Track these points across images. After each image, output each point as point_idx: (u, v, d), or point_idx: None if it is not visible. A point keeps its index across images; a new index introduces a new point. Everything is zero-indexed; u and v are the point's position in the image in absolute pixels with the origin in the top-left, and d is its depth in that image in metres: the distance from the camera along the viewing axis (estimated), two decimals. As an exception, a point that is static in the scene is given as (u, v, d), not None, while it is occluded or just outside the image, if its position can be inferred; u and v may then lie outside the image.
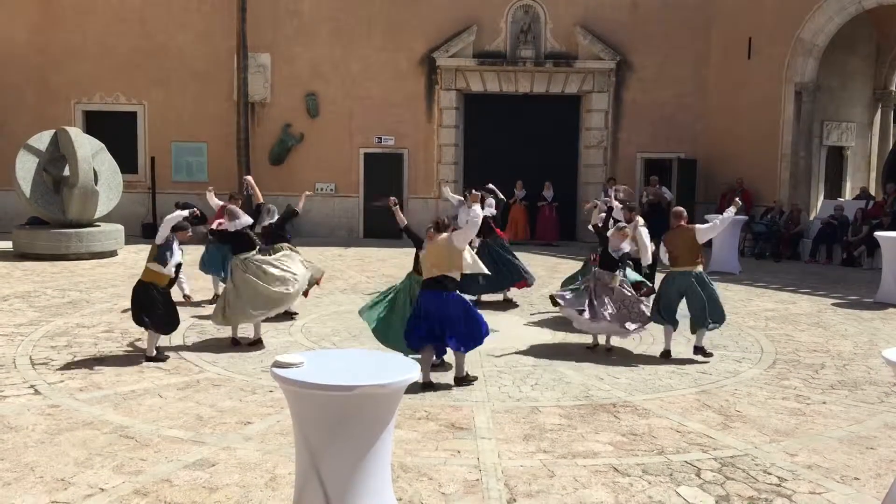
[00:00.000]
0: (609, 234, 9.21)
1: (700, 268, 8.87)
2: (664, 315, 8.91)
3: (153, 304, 8.28)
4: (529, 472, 5.73)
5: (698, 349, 8.92)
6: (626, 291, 8.99)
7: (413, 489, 5.39)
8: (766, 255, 17.49)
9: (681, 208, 9.49)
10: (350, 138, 20.09)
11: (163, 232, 8.31)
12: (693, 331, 8.93)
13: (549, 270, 15.40)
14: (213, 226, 10.05)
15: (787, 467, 5.88)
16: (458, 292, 7.61)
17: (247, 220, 9.27)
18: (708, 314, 8.71)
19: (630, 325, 8.87)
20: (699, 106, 20.02)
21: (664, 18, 19.84)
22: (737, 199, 9.77)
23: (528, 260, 16.72)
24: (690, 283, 8.74)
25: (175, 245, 8.44)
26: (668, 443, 6.33)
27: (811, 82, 17.55)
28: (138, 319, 8.36)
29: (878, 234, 13.75)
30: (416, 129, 20.10)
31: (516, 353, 9.07)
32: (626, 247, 9.15)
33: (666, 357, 8.85)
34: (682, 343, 9.42)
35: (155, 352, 8.43)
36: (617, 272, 9.06)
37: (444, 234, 7.56)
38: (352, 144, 20.11)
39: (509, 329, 10.32)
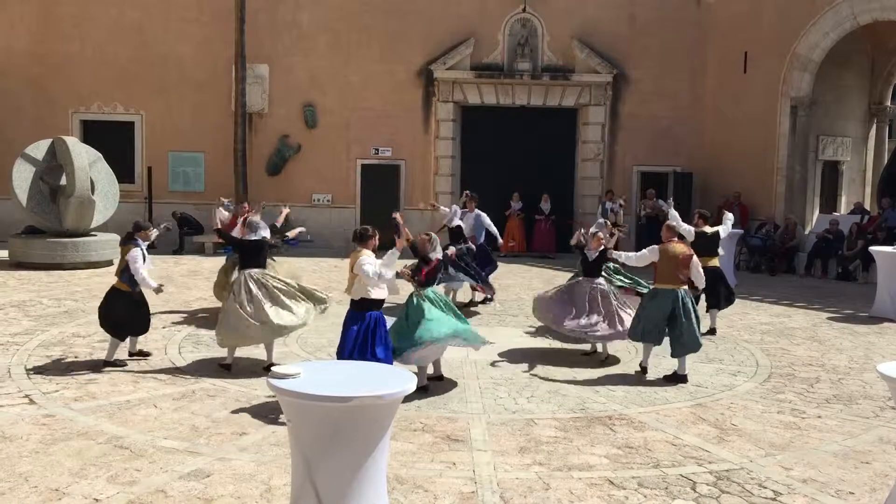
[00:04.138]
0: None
1: (685, 287, 8.61)
2: (648, 333, 8.63)
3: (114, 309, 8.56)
4: (525, 484, 5.72)
5: (680, 376, 8.50)
6: (612, 300, 9.15)
7: (408, 501, 5.38)
8: (761, 269, 17.51)
9: (673, 223, 9.27)
10: (347, 149, 20.10)
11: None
12: (674, 355, 8.63)
13: (545, 283, 15.38)
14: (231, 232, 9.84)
15: (782, 481, 5.89)
16: (363, 313, 7.14)
17: (266, 233, 8.92)
18: (683, 342, 8.45)
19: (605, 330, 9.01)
20: (695, 119, 20.08)
21: (661, 32, 19.92)
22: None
23: (525, 272, 16.80)
24: (676, 304, 8.48)
25: (143, 247, 8.60)
26: (663, 456, 6.33)
27: (807, 97, 17.64)
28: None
29: (873, 248, 13.79)
30: (414, 140, 20.13)
31: (513, 364, 9.07)
32: (594, 253, 9.33)
33: (643, 372, 8.71)
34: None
35: (114, 357, 8.58)
36: (599, 279, 9.31)
37: (361, 252, 7.11)
38: (349, 155, 20.13)
39: (505, 340, 10.32)
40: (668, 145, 20.05)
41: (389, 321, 7.65)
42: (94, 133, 19.46)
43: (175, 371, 8.47)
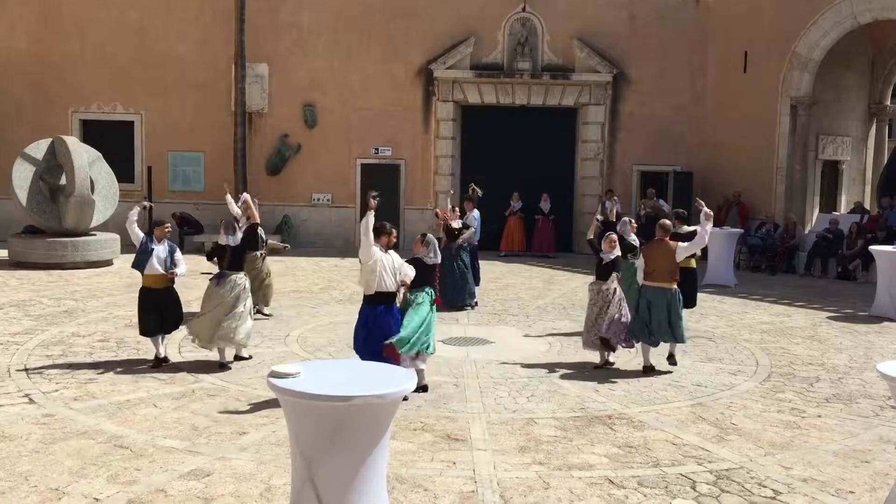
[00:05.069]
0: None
1: (675, 286, 8.80)
2: (642, 332, 8.79)
3: (145, 307, 8.57)
4: (525, 483, 5.72)
5: (671, 356, 8.90)
6: (621, 305, 9.04)
7: (408, 500, 5.39)
8: (761, 268, 17.51)
9: (668, 222, 9.35)
10: (347, 149, 20.09)
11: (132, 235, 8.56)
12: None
13: (545, 282, 15.42)
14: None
15: (782, 480, 5.89)
16: (365, 306, 7.46)
17: (238, 237, 8.98)
18: (672, 335, 8.75)
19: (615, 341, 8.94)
20: (695, 119, 20.08)
21: (661, 32, 19.91)
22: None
23: (525, 271, 16.79)
24: (665, 302, 8.68)
25: (155, 244, 8.55)
26: (663, 455, 6.33)
27: (807, 96, 17.63)
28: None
29: (873, 247, 13.79)
30: (414, 140, 20.12)
31: (512, 364, 9.07)
32: (613, 255, 9.14)
33: (649, 372, 8.77)
34: (678, 357, 9.42)
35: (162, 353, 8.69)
36: (611, 280, 9.09)
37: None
38: (349, 155, 20.12)
39: (505, 340, 10.33)
40: (668, 145, 20.05)
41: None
42: (94, 133, 19.45)
43: (175, 370, 8.47)
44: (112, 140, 19.18)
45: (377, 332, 7.33)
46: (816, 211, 18.84)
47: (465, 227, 12.58)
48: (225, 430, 6.67)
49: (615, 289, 9.06)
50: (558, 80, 19.93)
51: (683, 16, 19.93)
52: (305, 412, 4.50)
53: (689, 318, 11.50)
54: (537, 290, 14.44)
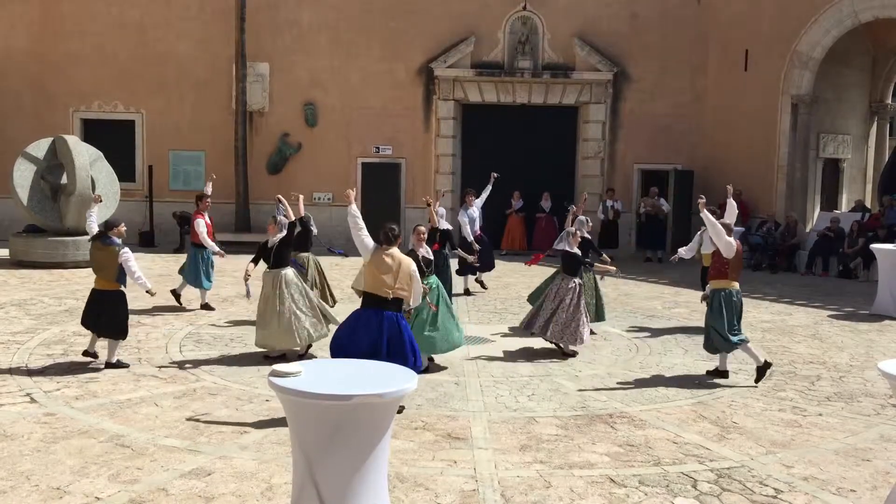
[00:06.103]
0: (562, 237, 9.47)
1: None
2: (731, 337, 8.37)
3: (116, 310, 8.37)
4: (526, 482, 5.72)
5: (723, 372, 8.66)
6: (578, 304, 9.22)
7: (409, 499, 5.39)
8: (762, 267, 17.51)
9: (728, 221, 9.10)
10: (348, 148, 20.10)
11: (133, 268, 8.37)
12: (716, 351, 8.63)
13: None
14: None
15: (783, 479, 5.89)
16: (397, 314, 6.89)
17: (279, 236, 8.93)
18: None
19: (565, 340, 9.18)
20: (696, 117, 20.07)
21: (661, 30, 19.91)
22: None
23: (525, 270, 16.71)
24: (741, 303, 8.53)
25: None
26: (664, 454, 6.33)
27: (807, 94, 17.62)
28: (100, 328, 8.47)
29: (874, 246, 13.79)
30: (414, 138, 20.13)
31: (513, 362, 9.07)
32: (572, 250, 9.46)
33: (725, 376, 8.59)
34: (679, 355, 9.43)
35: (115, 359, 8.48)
36: (576, 277, 9.43)
37: (400, 255, 6.89)
38: (350, 154, 20.13)
39: (506, 338, 10.32)
40: (669, 143, 20.04)
41: None
42: (95, 132, 19.45)
43: (176, 369, 8.47)
44: (113, 139, 19.19)
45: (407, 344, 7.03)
46: (817, 209, 18.84)
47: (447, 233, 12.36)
48: (226, 429, 6.67)
49: (578, 287, 9.27)
50: (559, 78, 19.93)
51: (684, 14, 19.91)
52: (306, 411, 4.50)
53: (691, 317, 11.58)
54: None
